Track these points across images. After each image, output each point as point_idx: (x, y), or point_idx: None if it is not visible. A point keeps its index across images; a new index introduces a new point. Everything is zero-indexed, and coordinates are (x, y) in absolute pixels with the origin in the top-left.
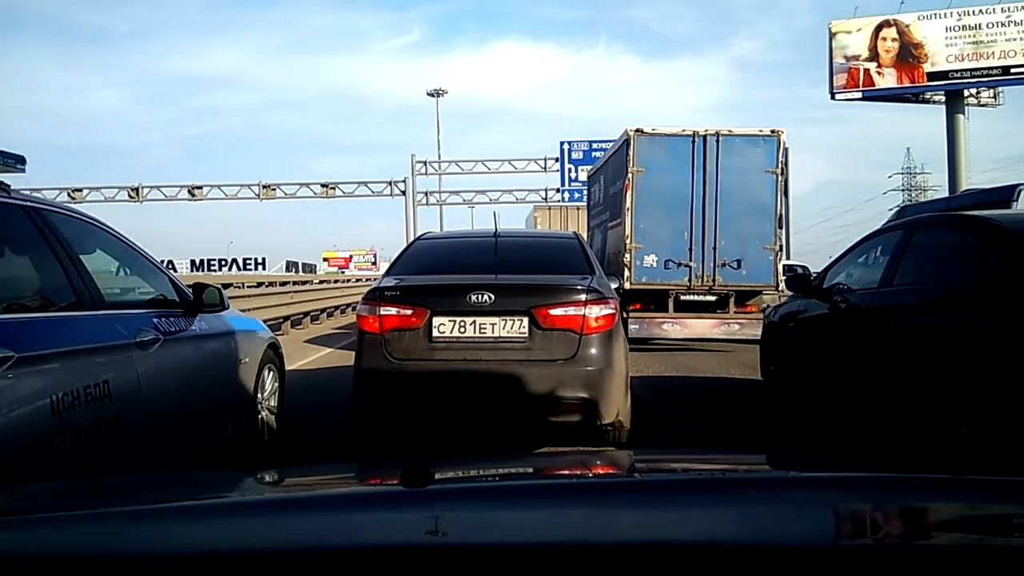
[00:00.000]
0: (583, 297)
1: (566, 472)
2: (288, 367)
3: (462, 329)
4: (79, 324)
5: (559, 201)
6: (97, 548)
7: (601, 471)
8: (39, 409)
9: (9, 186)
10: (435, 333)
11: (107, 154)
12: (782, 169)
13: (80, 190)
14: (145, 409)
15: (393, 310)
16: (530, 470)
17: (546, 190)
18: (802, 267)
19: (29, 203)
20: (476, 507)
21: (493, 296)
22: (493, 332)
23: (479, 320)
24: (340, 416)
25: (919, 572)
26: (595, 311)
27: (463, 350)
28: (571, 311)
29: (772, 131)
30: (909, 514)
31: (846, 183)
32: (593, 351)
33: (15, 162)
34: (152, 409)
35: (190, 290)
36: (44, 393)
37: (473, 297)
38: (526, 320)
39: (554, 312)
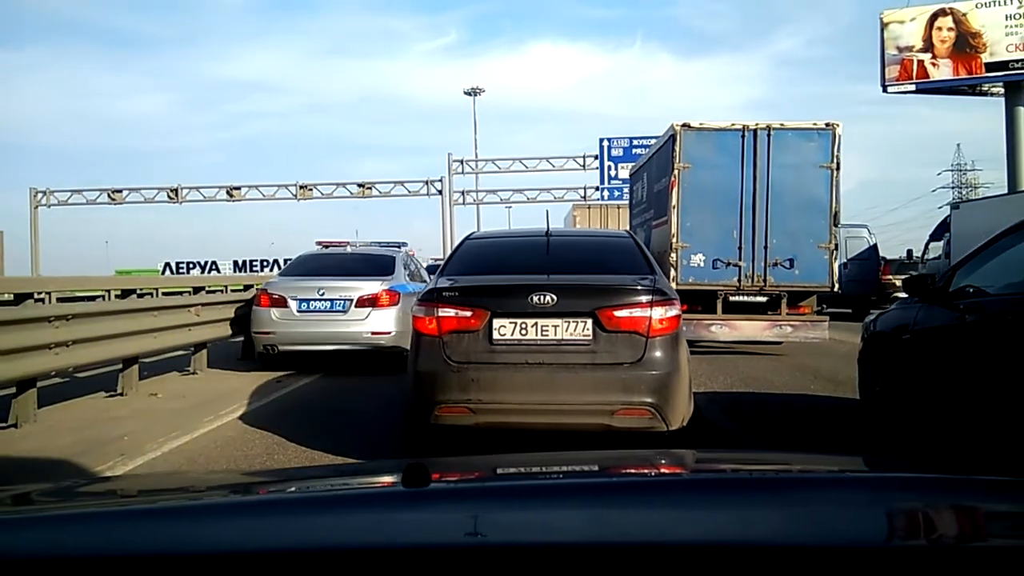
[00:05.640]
0: (648, 298)
1: (566, 472)
2: None
3: (524, 331)
4: None
5: (598, 199)
6: (97, 548)
7: (602, 471)
8: None
9: None
10: (496, 335)
11: (150, 158)
12: (838, 164)
13: (120, 191)
14: None
15: (452, 311)
16: (530, 470)
17: (585, 188)
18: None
19: None
20: (476, 508)
21: (556, 297)
22: (556, 334)
23: (541, 322)
24: None
25: (973, 573)
26: (660, 312)
27: (525, 353)
28: (637, 312)
29: (827, 124)
30: (963, 514)
31: (892, 181)
32: (659, 354)
33: None
34: None
35: None
36: None
37: (535, 298)
38: (590, 322)
39: (619, 314)
